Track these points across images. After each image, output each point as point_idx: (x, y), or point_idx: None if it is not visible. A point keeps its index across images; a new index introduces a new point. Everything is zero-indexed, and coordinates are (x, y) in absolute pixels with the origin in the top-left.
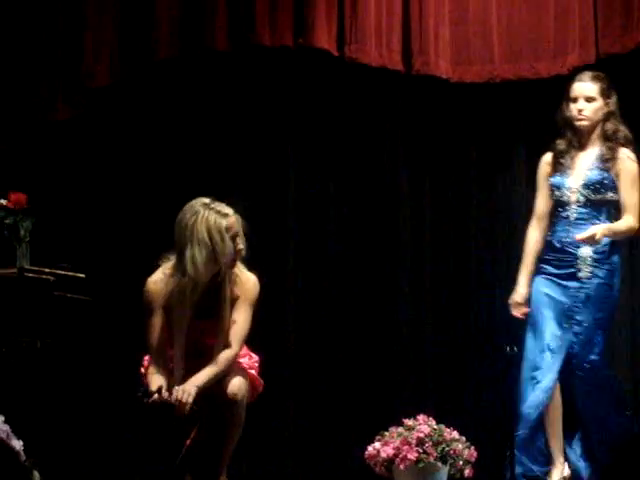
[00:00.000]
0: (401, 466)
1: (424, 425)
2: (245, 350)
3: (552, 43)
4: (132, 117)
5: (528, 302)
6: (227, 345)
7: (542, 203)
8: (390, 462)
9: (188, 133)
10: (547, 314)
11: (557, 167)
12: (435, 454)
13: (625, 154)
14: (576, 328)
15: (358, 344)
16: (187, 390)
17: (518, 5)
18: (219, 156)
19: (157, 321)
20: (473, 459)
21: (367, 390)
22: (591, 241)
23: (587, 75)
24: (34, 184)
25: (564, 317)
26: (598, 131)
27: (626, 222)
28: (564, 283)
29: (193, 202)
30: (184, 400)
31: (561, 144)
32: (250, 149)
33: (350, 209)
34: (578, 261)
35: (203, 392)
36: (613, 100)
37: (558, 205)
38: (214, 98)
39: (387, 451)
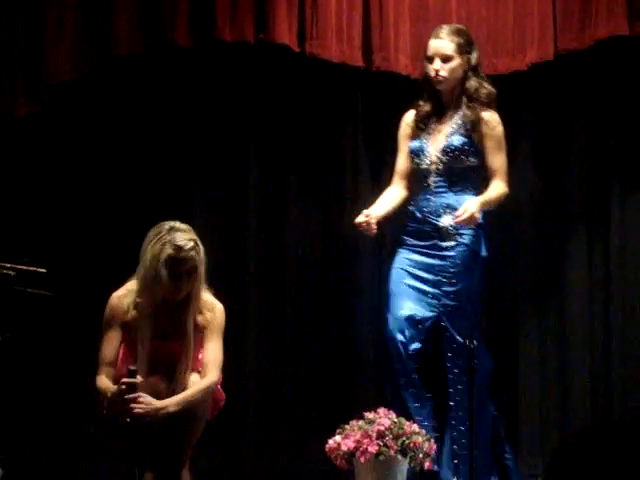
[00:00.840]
0: (362, 459)
1: (384, 418)
2: None
3: (511, 40)
4: (93, 113)
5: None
6: (202, 372)
7: (400, 163)
8: (351, 455)
9: (149, 128)
10: (406, 291)
11: (417, 131)
12: (395, 447)
13: (488, 116)
14: (445, 300)
15: (318, 339)
16: (160, 409)
17: (477, 2)
18: (180, 151)
19: (113, 336)
20: (432, 452)
21: (328, 384)
22: (471, 221)
23: (443, 31)
24: None
25: (430, 291)
26: (458, 91)
27: (497, 189)
28: (428, 253)
29: (163, 223)
30: (168, 410)
31: (423, 106)
32: (211, 144)
33: (312, 205)
34: (440, 232)
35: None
36: (474, 56)
37: (418, 173)
38: (176, 93)
39: (348, 444)
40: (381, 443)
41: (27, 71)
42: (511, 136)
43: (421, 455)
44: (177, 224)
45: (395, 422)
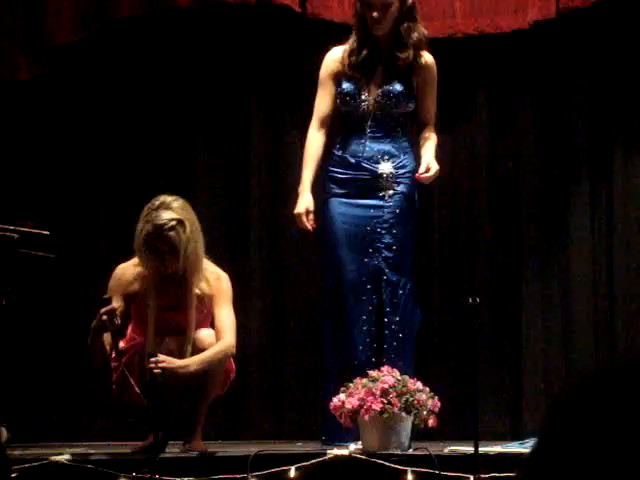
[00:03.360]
0: (366, 417)
1: (388, 376)
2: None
3: None
4: (96, 76)
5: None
6: (219, 339)
7: (323, 104)
8: (355, 413)
9: (151, 92)
10: (345, 244)
11: (349, 73)
12: (399, 405)
13: (428, 59)
14: (385, 253)
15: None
16: (181, 367)
17: None
18: (182, 113)
19: (115, 305)
20: (437, 409)
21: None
22: (433, 177)
23: None
24: None
25: (369, 243)
26: (393, 33)
27: (434, 138)
28: (364, 203)
29: (157, 199)
30: (189, 369)
31: (355, 45)
32: (212, 108)
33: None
34: (380, 179)
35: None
36: None
37: (350, 117)
38: (177, 56)
39: (352, 402)
40: (385, 401)
41: (28, 34)
42: (513, 94)
43: (425, 412)
44: (167, 200)
45: (399, 380)
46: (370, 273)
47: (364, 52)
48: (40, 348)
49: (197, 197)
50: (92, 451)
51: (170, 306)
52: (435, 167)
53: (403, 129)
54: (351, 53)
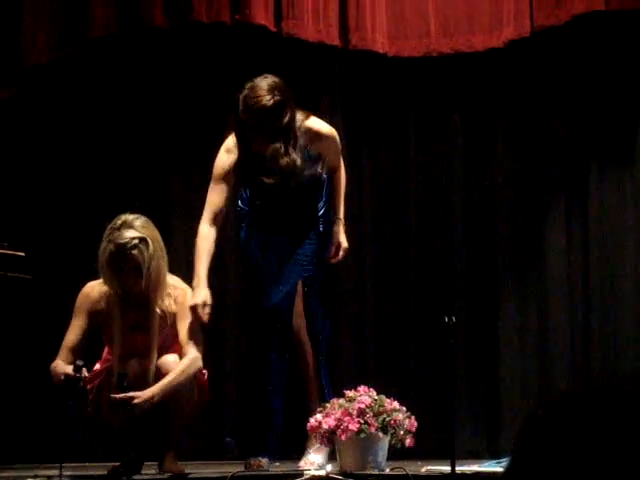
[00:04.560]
0: (343, 437)
1: (365, 396)
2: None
3: (487, 17)
4: (70, 96)
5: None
6: (183, 354)
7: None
8: (332, 433)
9: (126, 111)
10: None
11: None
12: (376, 425)
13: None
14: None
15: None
16: (147, 400)
17: None
18: (157, 133)
19: (79, 324)
20: (414, 429)
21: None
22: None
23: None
24: None
25: (293, 260)
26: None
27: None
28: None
29: (118, 218)
30: (142, 406)
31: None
32: (188, 126)
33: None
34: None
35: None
36: None
37: None
38: (151, 75)
39: (329, 422)
40: (362, 421)
41: (3, 54)
42: (489, 113)
43: (402, 432)
44: (130, 219)
45: (375, 400)
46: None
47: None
48: (15, 369)
49: (173, 223)
50: (67, 473)
51: (134, 326)
52: (344, 246)
53: None
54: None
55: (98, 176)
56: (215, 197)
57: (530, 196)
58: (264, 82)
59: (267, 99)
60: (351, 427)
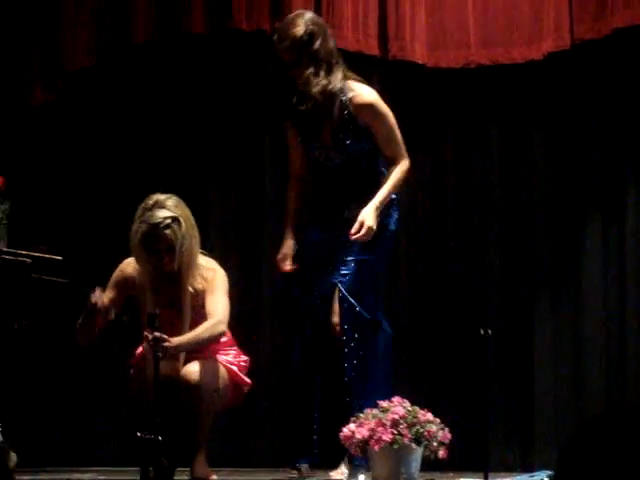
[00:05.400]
0: (376, 447)
1: (399, 407)
2: (234, 348)
3: (527, 29)
4: (109, 101)
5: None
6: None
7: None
8: (365, 443)
9: (165, 116)
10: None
11: None
12: (409, 436)
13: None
14: (343, 270)
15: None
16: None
17: None
18: (196, 139)
19: (108, 294)
20: (447, 440)
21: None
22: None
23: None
24: (11, 167)
25: (330, 262)
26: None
27: (392, 175)
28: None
29: (150, 198)
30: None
31: None
32: (226, 131)
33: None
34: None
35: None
36: None
37: None
38: (191, 81)
39: (362, 432)
40: (395, 431)
41: (44, 58)
42: (526, 126)
43: (435, 443)
44: (161, 199)
45: (409, 411)
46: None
47: None
48: (51, 373)
49: (209, 232)
50: (101, 477)
51: (167, 304)
52: (367, 224)
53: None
54: None
55: (137, 181)
56: (290, 156)
57: (567, 213)
58: (294, 15)
59: (297, 28)
60: (384, 438)
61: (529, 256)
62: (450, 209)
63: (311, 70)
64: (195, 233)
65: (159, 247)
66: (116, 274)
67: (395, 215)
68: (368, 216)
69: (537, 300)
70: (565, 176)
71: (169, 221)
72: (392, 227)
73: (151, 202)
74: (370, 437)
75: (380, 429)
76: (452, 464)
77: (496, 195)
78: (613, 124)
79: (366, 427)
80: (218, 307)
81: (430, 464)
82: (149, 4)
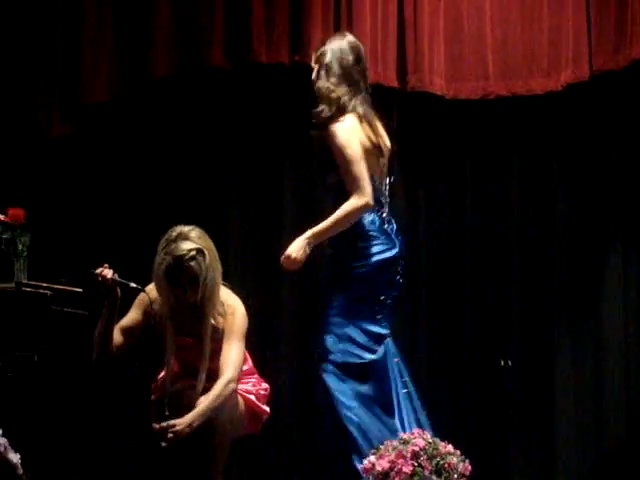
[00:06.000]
0: (396, 479)
1: (419, 439)
2: (254, 376)
3: (546, 60)
4: (129, 133)
5: None
6: (220, 375)
7: None
8: (385, 475)
9: (185, 149)
10: None
11: None
12: (430, 467)
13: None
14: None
15: None
16: (186, 427)
17: (512, 22)
18: (216, 172)
19: (132, 314)
20: (468, 472)
21: None
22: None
23: None
24: (32, 199)
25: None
26: None
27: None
28: None
29: (173, 230)
30: (182, 433)
31: None
32: (246, 164)
33: None
34: None
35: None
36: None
37: None
38: (211, 114)
39: (382, 464)
40: (416, 463)
41: (63, 91)
42: (546, 157)
43: (456, 476)
44: (185, 230)
45: (430, 442)
46: None
47: None
48: (72, 405)
49: (229, 259)
50: None
51: (186, 334)
52: (287, 252)
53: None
54: None
55: (157, 213)
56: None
57: (587, 242)
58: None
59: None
60: (405, 470)
61: (549, 287)
62: (470, 237)
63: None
64: (218, 265)
65: (183, 279)
66: (141, 298)
67: (371, 259)
68: (292, 245)
69: (557, 331)
70: (585, 206)
71: (194, 253)
72: (361, 270)
73: (175, 234)
74: (391, 469)
75: (400, 461)
76: None
77: (516, 225)
78: (632, 155)
79: (386, 459)
80: (232, 358)
81: None
82: (169, 38)
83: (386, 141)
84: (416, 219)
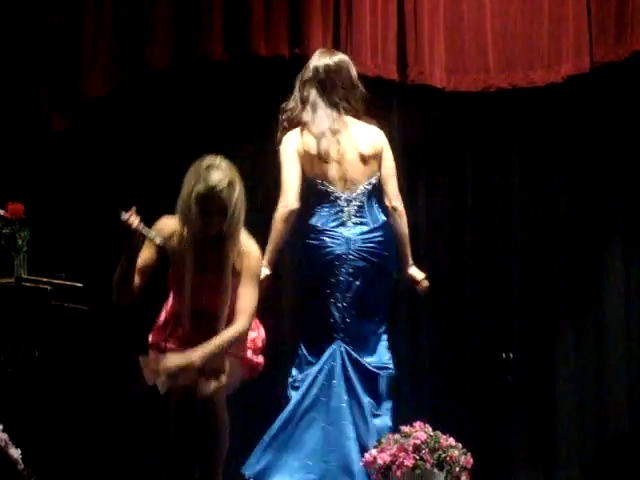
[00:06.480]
0: (398, 473)
1: (420, 432)
2: (254, 324)
3: (546, 52)
4: (128, 127)
5: None
6: (233, 318)
7: None
8: (387, 469)
9: (183, 142)
10: None
11: None
12: (432, 461)
13: None
14: None
15: None
16: (194, 357)
17: (513, 14)
18: None
19: (145, 256)
20: (469, 466)
21: None
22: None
23: None
24: (31, 194)
25: None
26: None
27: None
28: None
29: (204, 159)
30: (194, 364)
31: None
32: (245, 157)
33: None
34: None
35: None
36: None
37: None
38: (210, 107)
39: (384, 458)
40: (417, 457)
41: (63, 85)
42: (547, 149)
43: (457, 468)
44: (217, 161)
45: (431, 436)
46: None
47: None
48: (72, 400)
49: None
50: None
51: (205, 269)
52: None
53: None
54: None
55: (157, 207)
56: None
57: (588, 234)
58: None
59: None
60: (406, 463)
61: (550, 279)
62: (470, 229)
63: None
64: (244, 200)
65: (213, 208)
66: (156, 230)
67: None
68: None
69: (558, 322)
70: (586, 198)
71: (225, 183)
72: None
73: (205, 163)
74: (392, 462)
75: (402, 454)
76: None
77: (517, 215)
78: (633, 147)
79: (388, 452)
80: (249, 305)
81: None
82: (168, 31)
83: (354, 147)
84: (417, 212)
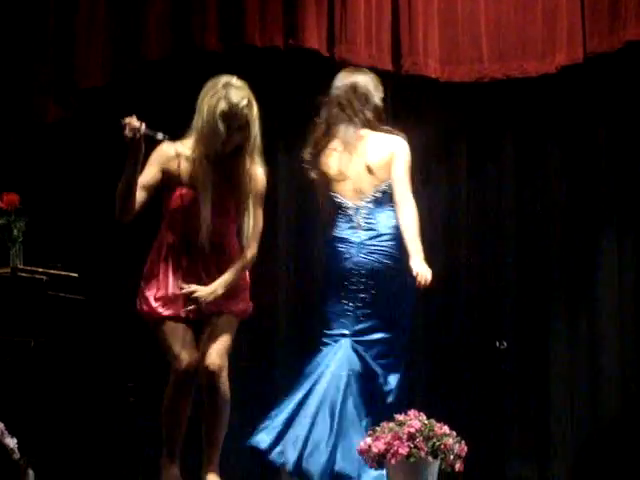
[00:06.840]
0: (392, 461)
1: (415, 420)
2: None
3: (540, 42)
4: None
5: None
6: (243, 244)
7: None
8: (381, 457)
9: (178, 132)
10: None
11: None
12: (426, 449)
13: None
14: None
15: None
16: (212, 291)
17: (506, 5)
18: None
19: (152, 171)
20: (464, 453)
21: None
22: None
23: None
24: (27, 185)
25: None
26: None
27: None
28: None
29: (219, 78)
30: (207, 298)
31: None
32: None
33: None
34: None
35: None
36: None
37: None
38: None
39: (378, 446)
40: (412, 445)
41: (58, 76)
42: (541, 138)
43: (452, 457)
44: (233, 80)
45: (425, 424)
46: None
47: None
48: (69, 390)
49: None
50: None
51: (221, 185)
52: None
53: None
54: None
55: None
56: None
57: (582, 224)
58: None
59: None
60: (401, 451)
61: (544, 265)
62: (465, 219)
63: None
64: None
65: (234, 125)
66: (157, 154)
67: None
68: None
69: (552, 311)
70: (580, 189)
71: (246, 101)
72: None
73: (223, 81)
74: (387, 450)
75: (396, 442)
76: (469, 477)
77: (511, 207)
78: (626, 136)
79: (382, 440)
80: (256, 230)
81: (447, 477)
82: (163, 21)
83: (363, 160)
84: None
